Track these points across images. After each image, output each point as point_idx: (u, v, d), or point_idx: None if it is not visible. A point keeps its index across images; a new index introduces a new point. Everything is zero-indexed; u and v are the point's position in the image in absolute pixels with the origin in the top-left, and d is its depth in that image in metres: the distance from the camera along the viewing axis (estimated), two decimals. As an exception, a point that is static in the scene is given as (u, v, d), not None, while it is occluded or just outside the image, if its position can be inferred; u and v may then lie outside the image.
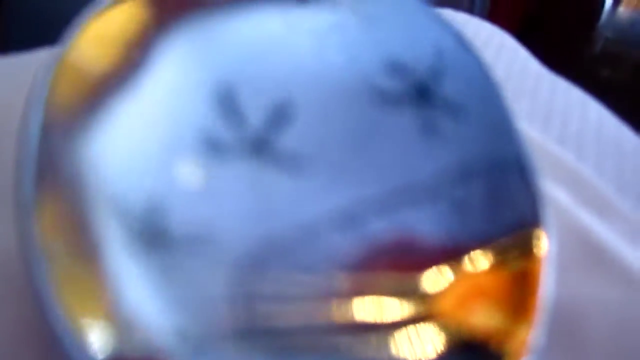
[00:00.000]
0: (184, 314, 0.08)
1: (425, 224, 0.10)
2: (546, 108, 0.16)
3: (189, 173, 0.10)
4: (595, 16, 0.34)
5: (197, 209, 0.09)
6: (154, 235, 0.09)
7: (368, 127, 0.10)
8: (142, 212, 0.09)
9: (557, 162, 0.13)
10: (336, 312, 0.08)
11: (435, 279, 0.09)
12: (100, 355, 0.07)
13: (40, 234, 0.07)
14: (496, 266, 0.09)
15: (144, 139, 0.09)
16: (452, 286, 0.09)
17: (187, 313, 0.08)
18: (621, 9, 0.37)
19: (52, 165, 0.08)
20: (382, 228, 0.09)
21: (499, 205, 0.10)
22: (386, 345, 0.08)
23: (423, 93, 0.10)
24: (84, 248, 0.08)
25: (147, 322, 0.08)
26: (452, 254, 0.09)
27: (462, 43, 0.10)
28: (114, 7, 0.10)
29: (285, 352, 0.08)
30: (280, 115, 0.10)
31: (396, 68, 0.11)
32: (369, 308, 0.09)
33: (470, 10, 0.34)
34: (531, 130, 0.15)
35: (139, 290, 0.08)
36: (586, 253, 0.11)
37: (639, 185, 0.14)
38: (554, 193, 0.12)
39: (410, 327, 0.08)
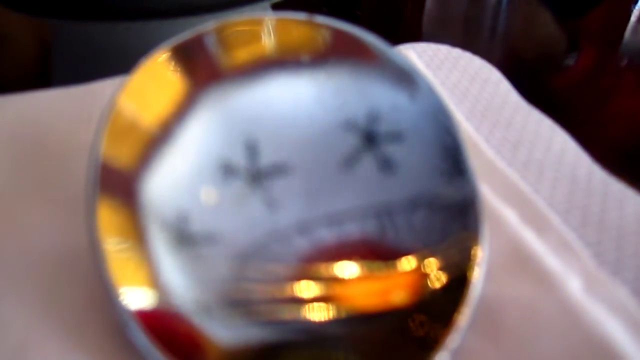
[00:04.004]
0: (197, 288, 0.13)
1: (362, 233, 0.13)
2: (517, 137, 0.19)
3: (206, 194, 0.14)
4: (620, 31, 0.35)
5: (210, 219, 0.14)
6: (181, 235, 0.13)
7: (332, 178, 0.14)
8: (174, 219, 0.13)
9: (510, 186, 0.16)
10: (284, 290, 0.13)
11: (350, 270, 0.13)
12: (142, 309, 0.11)
13: (102, 230, 0.12)
14: (429, 269, 0.12)
15: (180, 172, 0.14)
16: (371, 277, 0.13)
17: (200, 287, 0.13)
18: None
19: (112, 187, 0.12)
20: (327, 234, 0.13)
21: (441, 221, 0.13)
22: (301, 312, 0.12)
23: (370, 140, 0.14)
24: (135, 241, 0.12)
25: (174, 291, 0.12)
26: (384, 256, 0.13)
27: (415, 97, 0.14)
28: (154, 69, 0.14)
29: (252, 315, 0.12)
30: (278, 168, 0.14)
31: (351, 128, 0.14)
32: (303, 287, 0.13)
33: (494, 26, 0.35)
34: (498, 157, 0.18)
35: (170, 270, 0.13)
36: (518, 261, 0.13)
37: (585, 207, 0.17)
38: (504, 212, 0.15)
39: (320, 302, 0.13)
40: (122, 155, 0.13)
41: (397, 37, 0.26)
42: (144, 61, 0.14)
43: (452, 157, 0.13)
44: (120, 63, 0.17)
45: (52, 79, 0.25)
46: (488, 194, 0.16)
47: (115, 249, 0.12)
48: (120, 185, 0.12)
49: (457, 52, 0.23)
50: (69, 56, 0.25)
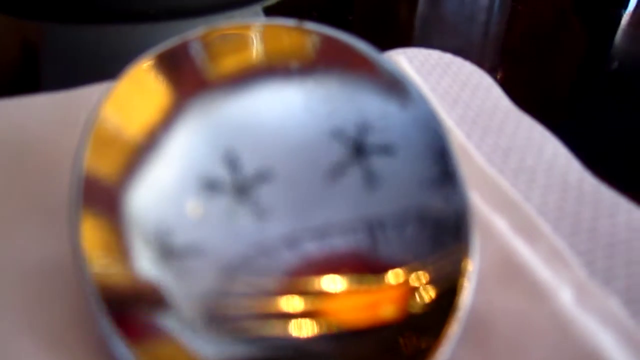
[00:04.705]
0: (183, 304, 0.12)
1: (351, 246, 0.13)
2: (508, 143, 0.19)
3: (191, 207, 0.14)
4: (611, 34, 0.35)
5: (195, 232, 0.13)
6: (166, 249, 0.13)
7: (320, 188, 0.14)
8: (158, 233, 0.13)
9: (501, 194, 0.16)
10: (271, 305, 0.13)
11: (338, 284, 0.13)
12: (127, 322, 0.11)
13: (86, 245, 0.11)
14: (418, 282, 0.12)
15: (164, 183, 0.13)
16: (359, 291, 0.13)
17: (184, 302, 0.12)
18: (635, 29, 0.38)
19: (95, 199, 0.12)
20: (314, 247, 0.13)
21: (431, 233, 0.13)
22: (287, 328, 0.12)
23: (359, 150, 0.14)
24: (119, 254, 0.12)
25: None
26: (372, 269, 0.13)
27: (406, 106, 0.13)
28: (139, 77, 0.13)
29: (237, 331, 0.12)
30: (261, 175, 0.14)
31: (340, 137, 0.14)
32: (290, 302, 0.13)
33: (485, 32, 0.36)
34: (489, 164, 0.18)
35: (155, 285, 0.12)
36: (508, 272, 0.13)
37: (576, 214, 0.17)
38: (495, 220, 0.15)
39: (307, 317, 0.12)
40: (105, 166, 0.12)
41: (390, 41, 0.26)
42: (129, 69, 0.13)
43: (443, 168, 0.13)
44: (110, 66, 0.17)
45: (40, 82, 0.24)
46: (478, 202, 0.16)
47: (99, 262, 0.11)
48: (103, 197, 0.12)
49: (448, 58, 0.23)
50: (58, 59, 0.25)
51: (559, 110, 0.26)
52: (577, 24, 0.34)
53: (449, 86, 0.22)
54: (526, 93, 0.27)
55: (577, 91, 0.27)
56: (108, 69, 0.17)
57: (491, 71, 0.23)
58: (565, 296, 0.13)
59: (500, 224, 0.15)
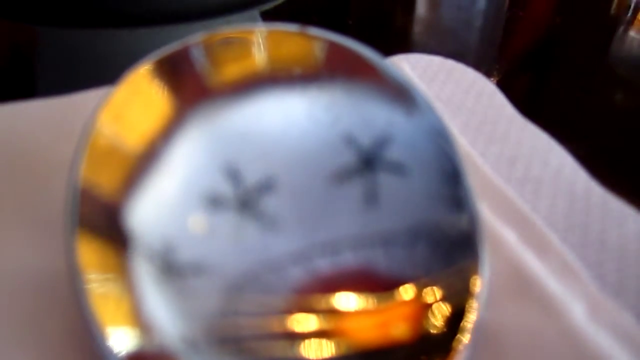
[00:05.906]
0: (184, 323, 0.12)
1: (361, 262, 0.13)
2: (513, 152, 0.19)
3: (194, 222, 0.13)
4: (607, 40, 0.35)
5: (198, 248, 0.13)
6: (168, 267, 0.12)
7: (327, 198, 0.13)
8: (160, 249, 0.12)
9: (508, 204, 0.16)
10: (278, 324, 0.12)
11: (349, 302, 0.12)
12: (125, 351, 0.10)
13: (82, 262, 0.11)
14: (429, 299, 0.12)
15: (166, 197, 0.13)
16: (371, 309, 0.12)
17: (187, 322, 0.12)
18: (632, 33, 0.38)
19: (93, 215, 0.11)
20: (323, 265, 0.13)
21: (442, 249, 0.12)
22: (297, 349, 0.11)
23: (368, 162, 0.13)
24: (118, 273, 0.11)
25: (160, 328, 0.11)
26: (383, 286, 0.12)
27: (413, 115, 0.13)
28: (138, 84, 0.13)
29: (243, 352, 0.11)
30: (265, 185, 0.13)
31: (345, 147, 0.14)
32: (299, 321, 0.12)
33: (482, 37, 0.35)
34: (494, 173, 0.17)
35: (156, 305, 0.12)
36: (520, 286, 0.13)
37: (584, 225, 0.16)
38: (503, 232, 0.15)
39: (318, 337, 0.12)
40: (103, 178, 0.12)
41: (388, 44, 0.26)
42: (127, 75, 0.13)
43: (451, 181, 0.12)
44: (106, 71, 0.16)
45: (35, 87, 0.24)
46: (486, 213, 0.15)
47: (96, 282, 0.11)
48: (101, 211, 0.12)
49: (450, 64, 0.23)
50: (53, 64, 0.24)
51: (557, 114, 0.25)
52: (574, 29, 0.34)
53: (452, 93, 0.21)
54: (523, 97, 0.27)
55: (576, 95, 0.27)
56: (104, 73, 0.17)
57: (488, 76, 0.23)
58: (577, 311, 0.13)
59: (509, 236, 0.14)
